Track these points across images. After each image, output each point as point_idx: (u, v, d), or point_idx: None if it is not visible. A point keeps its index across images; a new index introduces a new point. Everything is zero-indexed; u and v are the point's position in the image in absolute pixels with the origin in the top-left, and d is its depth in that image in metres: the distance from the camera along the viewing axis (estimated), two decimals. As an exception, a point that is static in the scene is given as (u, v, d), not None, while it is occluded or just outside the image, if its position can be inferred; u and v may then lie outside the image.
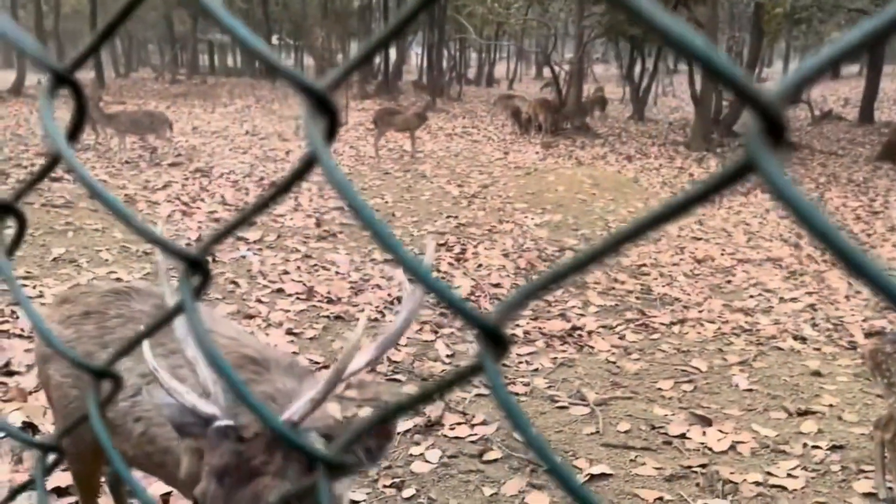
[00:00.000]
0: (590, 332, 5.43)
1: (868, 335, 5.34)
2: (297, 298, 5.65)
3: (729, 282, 6.99)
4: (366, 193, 9.94)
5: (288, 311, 5.37)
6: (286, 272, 6.25)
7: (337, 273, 6.43)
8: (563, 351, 5.09)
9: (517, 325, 5.38)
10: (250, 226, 7.49)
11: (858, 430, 4.01)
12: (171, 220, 7.39)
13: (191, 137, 13.85)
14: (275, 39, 35.90)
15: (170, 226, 7.14)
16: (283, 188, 0.48)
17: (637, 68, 23.06)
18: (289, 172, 0.47)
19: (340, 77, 0.44)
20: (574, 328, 5.49)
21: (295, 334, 4.97)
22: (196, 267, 0.55)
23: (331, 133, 0.44)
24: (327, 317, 5.33)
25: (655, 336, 5.46)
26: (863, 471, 3.61)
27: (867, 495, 3.42)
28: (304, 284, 5.93)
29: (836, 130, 20.20)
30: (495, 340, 0.40)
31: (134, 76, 35.10)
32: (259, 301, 5.53)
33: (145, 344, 1.46)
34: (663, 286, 6.70)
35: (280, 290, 5.78)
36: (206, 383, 1.53)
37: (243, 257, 6.53)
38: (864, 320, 5.84)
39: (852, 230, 9.05)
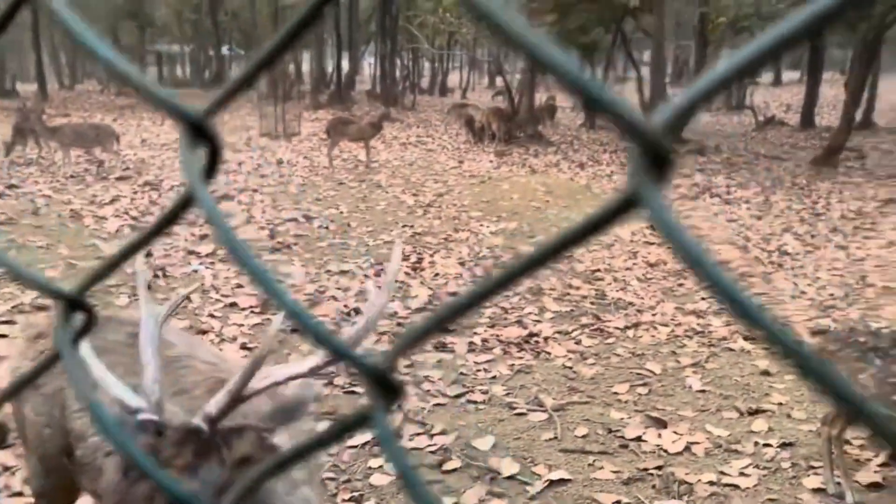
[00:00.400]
0: (546, 338, 5.47)
1: (814, 334, 5.50)
2: (251, 312, 5.57)
3: (681, 285, 7.12)
4: (320, 204, 9.87)
5: (242, 325, 5.29)
6: (239, 285, 6.15)
7: (292, 286, 6.35)
8: (521, 358, 5.12)
9: (475, 333, 5.40)
10: (202, 239, 7.37)
11: (807, 427, 4.12)
12: (119, 236, 7.22)
13: (139, 150, 13.57)
14: (225, 49, 35.45)
15: (117, 241, 6.97)
16: (157, 229, 0.45)
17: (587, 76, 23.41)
18: (166, 211, 0.44)
19: (219, 102, 0.41)
20: (531, 335, 5.52)
21: (249, 349, 4.90)
22: (76, 307, 0.50)
23: (211, 165, 0.40)
24: (282, 330, 5.26)
25: (610, 340, 5.53)
26: (812, 467, 3.71)
27: (816, 491, 3.52)
28: (258, 298, 5.85)
29: (780, 135, 20.81)
30: (385, 387, 0.37)
31: (79, 88, 34.29)
32: (212, 316, 5.43)
33: (85, 343, 1.43)
34: (617, 290, 6.80)
35: (233, 304, 5.69)
36: (147, 381, 1.52)
37: (195, 271, 6.42)
38: (809, 320, 6.01)
39: (797, 232, 9.32)
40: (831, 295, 6.67)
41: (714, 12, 16.77)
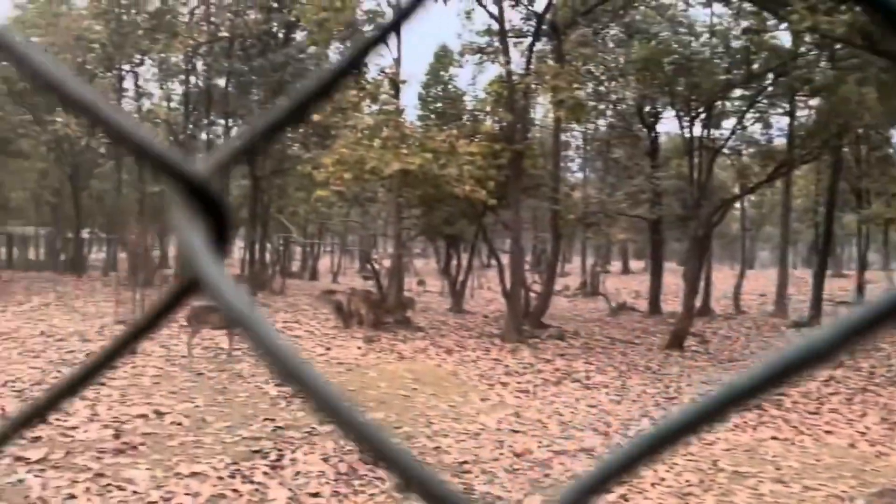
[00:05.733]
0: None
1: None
2: (83, 528, 4.96)
3: (547, 475, 7.12)
4: (174, 398, 9.28)
5: (69, 545, 4.67)
6: (72, 496, 5.52)
7: (134, 493, 5.77)
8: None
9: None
10: (34, 442, 6.65)
11: None
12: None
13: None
14: (85, 233, 34.38)
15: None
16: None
17: (454, 263, 24.48)
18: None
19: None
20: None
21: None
22: (202, 199, 0.36)
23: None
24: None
25: (479, 541, 5.33)
26: None
27: None
28: (92, 510, 5.24)
29: (631, 321, 22.26)
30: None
31: None
32: (34, 535, 4.78)
33: None
34: (485, 483, 6.68)
35: (62, 520, 5.06)
36: None
37: (21, 481, 5.71)
38: (670, 507, 6.11)
39: (653, 417, 9.71)
40: (687, 481, 6.87)
41: (564, 210, 18.37)
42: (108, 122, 0.32)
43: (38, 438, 6.74)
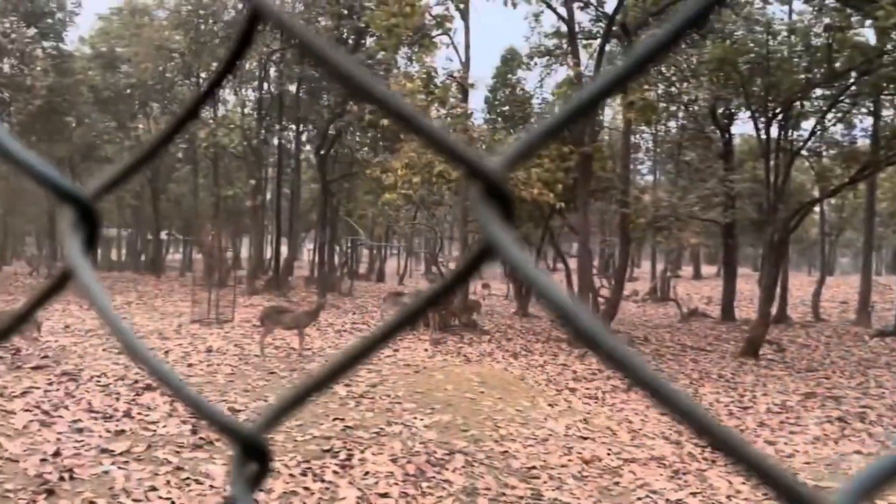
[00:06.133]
0: (481, 546, 5.19)
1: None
2: (164, 519, 5.15)
3: (617, 483, 6.99)
4: (248, 395, 9.55)
5: (151, 535, 4.86)
6: (153, 488, 5.73)
7: (211, 486, 5.96)
8: (454, 569, 4.81)
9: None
10: (117, 435, 6.95)
11: None
12: (25, 433, 6.73)
13: (61, 337, 13.09)
14: (164, 235, 35.77)
15: (24, 438, 6.49)
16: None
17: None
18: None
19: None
20: (464, 542, 5.24)
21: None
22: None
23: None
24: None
25: (547, 547, 5.28)
26: None
27: None
28: (173, 501, 5.44)
29: (703, 327, 21.68)
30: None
31: (7, 269, 33.56)
32: (119, 524, 4.99)
33: None
34: (553, 490, 6.61)
35: (145, 511, 5.26)
36: None
37: (106, 472, 5.97)
38: (746, 521, 5.92)
39: (726, 426, 9.43)
40: (765, 494, 6.63)
41: (634, 213, 18.04)
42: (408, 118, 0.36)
43: (121, 432, 7.04)
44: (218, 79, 0.43)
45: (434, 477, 6.74)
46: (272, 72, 27.26)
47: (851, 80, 16.99)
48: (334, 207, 28.06)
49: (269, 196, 31.31)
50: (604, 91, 0.33)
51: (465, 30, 17.97)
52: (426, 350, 14.57)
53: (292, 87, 26.27)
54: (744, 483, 6.97)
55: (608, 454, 8.00)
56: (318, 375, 0.39)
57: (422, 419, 8.97)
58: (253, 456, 0.39)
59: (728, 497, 6.61)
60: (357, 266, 38.55)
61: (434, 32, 19.15)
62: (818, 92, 18.46)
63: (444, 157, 0.34)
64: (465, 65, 17.94)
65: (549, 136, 0.33)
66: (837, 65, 16.30)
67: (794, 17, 18.45)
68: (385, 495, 6.12)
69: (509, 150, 0.34)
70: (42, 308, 0.45)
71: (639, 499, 6.54)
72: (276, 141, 28.89)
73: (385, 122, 16.54)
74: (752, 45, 17.02)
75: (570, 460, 7.63)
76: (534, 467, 7.22)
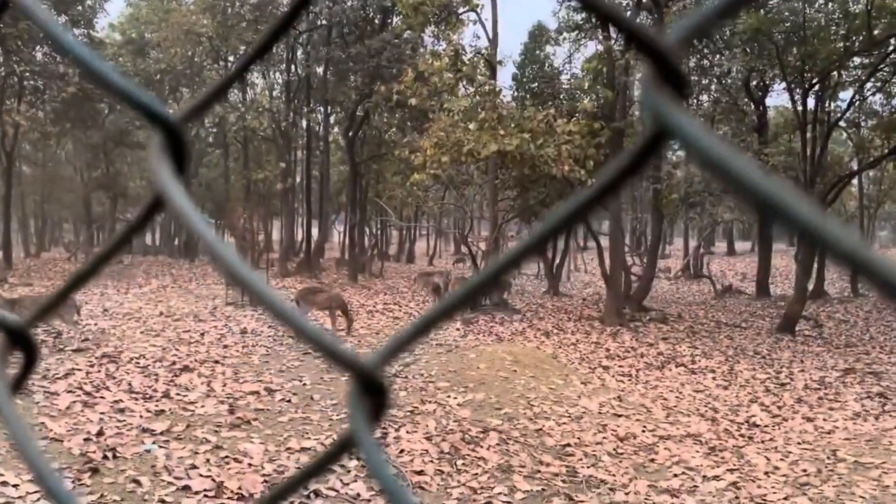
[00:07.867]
0: (517, 523, 5.21)
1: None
2: (205, 496, 5.24)
3: (652, 460, 6.96)
4: (283, 376, 9.66)
5: (193, 512, 4.95)
6: (194, 466, 5.84)
7: (250, 465, 6.05)
8: (491, 545, 4.83)
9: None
10: (158, 416, 7.08)
11: None
12: (69, 413, 6.89)
13: (100, 320, 13.36)
14: (196, 219, 36.16)
15: (68, 419, 6.65)
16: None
17: (549, 245, 24.25)
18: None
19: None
20: (501, 519, 5.26)
21: (200, 540, 4.55)
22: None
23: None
24: None
25: (584, 524, 5.28)
26: None
27: None
28: (214, 479, 5.53)
29: (738, 304, 21.39)
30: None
31: (45, 256, 34.30)
32: (162, 501, 5.09)
33: None
34: (588, 467, 6.60)
35: (186, 488, 5.36)
36: None
37: (147, 451, 6.09)
38: (785, 498, 5.85)
39: (764, 403, 9.31)
40: (804, 471, 6.55)
41: (666, 189, 17.78)
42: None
43: (161, 412, 7.18)
44: (294, 12, 0.42)
45: (469, 455, 6.77)
46: (299, 54, 27.28)
47: (891, 48, 16.47)
48: (363, 189, 28.12)
49: (298, 178, 31.46)
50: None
51: (492, 6, 17.74)
52: (458, 329, 14.59)
53: (320, 69, 26.26)
54: (781, 460, 6.89)
55: (643, 431, 7.96)
56: (431, 314, 0.40)
57: (455, 398, 9.00)
58: (371, 391, 0.40)
59: (766, 474, 6.53)
60: (387, 247, 38.69)
61: (461, 10, 18.96)
62: (856, 60, 17.95)
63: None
64: (493, 41, 17.73)
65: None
66: (876, 32, 15.80)
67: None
68: (420, 472, 6.16)
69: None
70: (122, 250, 0.47)
71: (675, 475, 6.49)
72: (304, 123, 28.95)
73: (413, 101, 16.46)
74: (787, 13, 16.56)
75: (604, 438, 7.61)
76: (568, 445, 7.21)
